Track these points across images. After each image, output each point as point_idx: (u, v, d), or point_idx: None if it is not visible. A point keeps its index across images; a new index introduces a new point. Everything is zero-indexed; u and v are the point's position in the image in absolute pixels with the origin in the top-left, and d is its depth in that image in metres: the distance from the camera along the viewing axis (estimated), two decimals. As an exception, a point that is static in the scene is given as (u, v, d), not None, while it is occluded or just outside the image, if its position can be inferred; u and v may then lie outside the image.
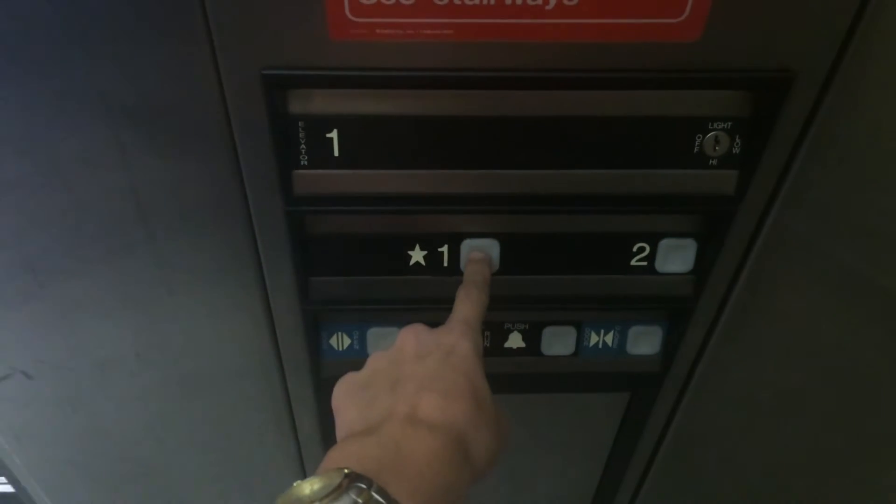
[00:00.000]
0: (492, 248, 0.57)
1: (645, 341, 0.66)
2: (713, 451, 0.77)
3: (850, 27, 0.44)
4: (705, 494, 0.83)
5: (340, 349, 0.65)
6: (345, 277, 0.59)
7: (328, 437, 0.73)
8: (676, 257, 0.59)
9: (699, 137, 0.51)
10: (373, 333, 0.64)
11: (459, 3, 0.42)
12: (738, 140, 0.51)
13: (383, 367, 0.48)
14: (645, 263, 0.59)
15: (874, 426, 0.74)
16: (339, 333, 0.64)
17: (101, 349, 0.62)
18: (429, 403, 0.42)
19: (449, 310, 0.61)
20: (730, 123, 0.50)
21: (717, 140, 0.51)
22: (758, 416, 0.72)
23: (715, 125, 0.50)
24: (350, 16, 0.42)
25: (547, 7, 0.42)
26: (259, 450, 0.75)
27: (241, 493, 0.81)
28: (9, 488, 0.80)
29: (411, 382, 0.44)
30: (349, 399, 0.47)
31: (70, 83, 0.45)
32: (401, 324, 0.63)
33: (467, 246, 0.57)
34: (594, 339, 0.66)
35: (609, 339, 0.66)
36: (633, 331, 0.65)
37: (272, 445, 0.74)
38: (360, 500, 0.34)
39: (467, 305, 0.52)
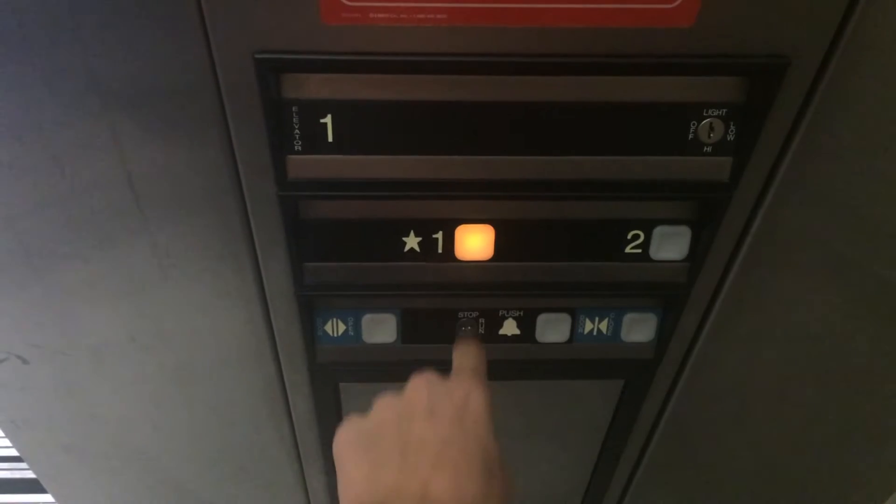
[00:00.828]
0: (487, 233, 0.58)
1: (639, 328, 0.66)
2: (707, 438, 0.78)
3: (845, 12, 0.44)
4: (700, 481, 0.83)
5: (336, 335, 0.65)
6: (339, 263, 0.59)
7: (323, 422, 0.74)
8: (671, 244, 0.59)
9: (694, 124, 0.51)
10: (368, 320, 0.64)
11: (453, -13, 0.42)
12: (732, 127, 0.51)
13: (391, 419, 0.46)
14: (639, 251, 0.59)
15: (867, 414, 0.74)
16: (335, 319, 0.64)
17: (97, 334, 0.62)
18: (441, 485, 0.41)
19: (442, 296, 0.62)
20: (724, 110, 0.50)
21: (711, 127, 0.51)
22: (752, 403, 0.73)
23: (709, 112, 0.50)
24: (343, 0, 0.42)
25: (541, -9, 0.42)
26: (254, 435, 0.75)
27: (237, 478, 0.81)
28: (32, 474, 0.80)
29: (423, 453, 0.43)
30: (354, 452, 0.45)
31: (62, 67, 0.45)
32: (396, 310, 0.64)
33: (462, 232, 0.57)
34: (588, 326, 0.66)
35: (603, 326, 0.66)
36: (628, 318, 0.65)
37: (267, 431, 0.75)
38: None
39: (471, 356, 0.52)
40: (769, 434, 0.77)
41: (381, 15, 0.43)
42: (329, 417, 0.73)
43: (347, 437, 0.47)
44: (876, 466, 0.81)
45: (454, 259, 0.59)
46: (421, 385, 0.48)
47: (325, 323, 0.64)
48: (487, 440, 0.44)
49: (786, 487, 0.84)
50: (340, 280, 0.60)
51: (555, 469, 0.84)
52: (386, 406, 0.47)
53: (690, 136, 0.51)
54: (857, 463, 0.81)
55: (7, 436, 0.73)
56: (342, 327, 0.65)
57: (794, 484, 0.84)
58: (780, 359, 0.68)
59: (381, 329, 0.65)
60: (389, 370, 0.68)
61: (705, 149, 0.52)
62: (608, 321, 0.66)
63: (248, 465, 0.80)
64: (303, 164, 0.51)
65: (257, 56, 0.44)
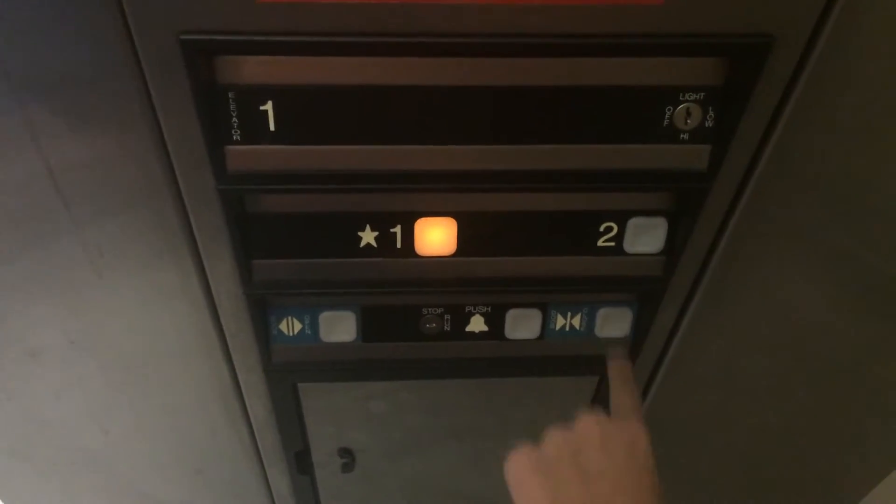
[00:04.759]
0: (448, 227, 0.53)
1: (614, 324, 0.62)
2: (686, 436, 0.75)
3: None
4: (681, 479, 0.80)
5: (291, 334, 0.61)
6: (291, 260, 0.55)
7: (283, 423, 0.70)
8: (646, 237, 0.55)
9: (669, 109, 0.47)
10: (325, 318, 0.60)
11: (398, -41, 0.37)
12: (711, 112, 0.47)
13: (567, 451, 0.49)
14: (613, 244, 0.55)
15: (848, 408, 0.71)
16: (290, 318, 0.60)
17: (32, 337, 0.58)
18: None
19: (403, 293, 0.58)
20: (702, 94, 0.46)
21: (688, 112, 0.47)
22: (732, 400, 0.70)
23: (686, 96, 0.46)
24: (275, -27, 0.37)
25: (497, -36, 0.38)
26: (210, 437, 0.71)
27: (196, 480, 0.77)
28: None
29: (603, 481, 0.47)
30: (534, 477, 0.49)
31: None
32: (355, 307, 0.60)
33: (422, 225, 0.53)
34: (560, 321, 0.62)
35: (576, 322, 0.62)
36: (602, 313, 0.62)
37: (224, 433, 0.71)
38: None
39: (630, 393, 0.56)
40: (749, 431, 0.74)
41: (319, -10, 0.38)
42: (289, 418, 0.69)
43: (526, 465, 0.50)
44: (857, 462, 0.78)
45: (414, 254, 0.54)
46: (592, 422, 0.51)
47: (279, 321, 0.60)
48: (655, 475, 0.48)
49: (767, 484, 0.82)
50: (293, 277, 0.56)
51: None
52: (559, 439, 0.51)
53: (666, 123, 0.47)
54: (838, 458, 0.78)
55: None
56: (298, 326, 0.61)
57: (775, 480, 0.81)
58: (761, 354, 0.64)
59: (339, 327, 0.61)
60: (350, 369, 0.64)
61: (682, 136, 0.48)
62: (581, 316, 0.62)
63: (206, 468, 0.76)
64: (243, 156, 0.47)
65: (183, 37, 0.40)
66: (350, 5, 0.40)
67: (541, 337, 0.63)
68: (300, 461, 0.76)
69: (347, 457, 0.76)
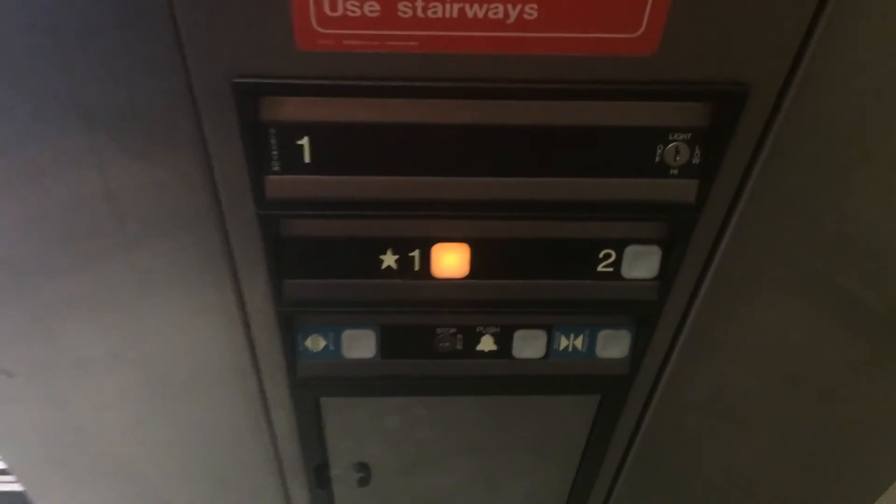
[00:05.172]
0: (462, 251, 0.59)
1: (613, 345, 0.67)
2: (684, 454, 0.79)
3: (802, 40, 0.46)
4: (678, 495, 0.84)
5: (316, 351, 0.66)
6: (319, 280, 0.60)
7: (304, 437, 0.75)
8: (642, 263, 0.60)
9: (660, 148, 0.52)
10: (347, 335, 0.65)
11: (423, 15, 0.43)
12: (697, 150, 0.52)
13: None
14: (611, 269, 0.61)
15: (839, 427, 0.75)
16: (314, 335, 0.66)
17: (80, 349, 0.63)
18: None
19: (419, 313, 0.63)
20: (689, 134, 0.52)
21: (677, 150, 0.52)
22: (724, 418, 0.74)
23: (675, 136, 0.52)
24: (316, 27, 0.43)
25: (508, 21, 0.44)
26: (236, 449, 0.76)
27: (218, 493, 0.82)
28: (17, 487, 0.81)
29: None
30: None
31: (46, 88, 0.46)
32: (375, 326, 0.65)
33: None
34: (564, 342, 0.67)
35: (579, 342, 0.67)
36: (602, 335, 0.67)
37: (249, 445, 0.76)
38: None
39: None
40: (744, 449, 0.78)
41: (354, 42, 0.44)
42: (311, 432, 0.74)
43: None
44: (849, 479, 0.82)
45: (430, 277, 0.60)
46: None
47: (305, 338, 0.66)
48: None
49: (762, 500, 0.85)
50: (320, 297, 0.61)
51: (535, 484, 0.85)
52: None
53: (657, 159, 0.53)
54: (830, 476, 0.82)
55: (-7, 449, 0.74)
56: (322, 343, 0.66)
57: (770, 496, 0.85)
58: (752, 374, 0.69)
59: (360, 345, 0.66)
60: (369, 385, 0.69)
61: (672, 171, 0.53)
62: (583, 338, 0.67)
63: (229, 480, 0.81)
64: (281, 184, 0.53)
65: (235, 81, 0.46)
66: (376, 55, 0.46)
67: (546, 356, 0.68)
68: (319, 475, 0.81)
69: (364, 471, 0.81)
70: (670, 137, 0.52)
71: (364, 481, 0.82)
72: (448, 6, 0.43)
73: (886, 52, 0.47)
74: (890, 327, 0.65)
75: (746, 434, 0.76)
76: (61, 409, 0.70)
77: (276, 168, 0.52)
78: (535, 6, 0.43)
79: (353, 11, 0.43)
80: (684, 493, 0.85)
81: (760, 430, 0.76)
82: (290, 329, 0.64)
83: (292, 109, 0.50)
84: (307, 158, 0.52)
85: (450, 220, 0.57)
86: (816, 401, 0.72)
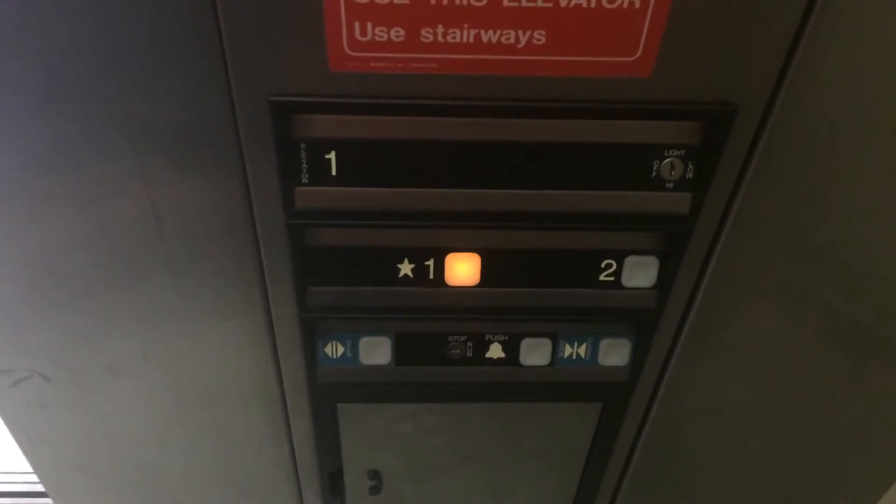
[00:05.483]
0: (473, 261, 0.64)
1: (615, 353, 0.71)
2: (685, 459, 0.82)
3: (783, 63, 0.51)
4: (681, 500, 0.88)
5: (334, 357, 0.71)
6: (340, 287, 0.65)
7: (321, 443, 0.78)
8: (641, 273, 0.65)
9: (656, 163, 0.57)
10: (364, 342, 0.70)
11: (442, 40, 0.48)
12: (691, 165, 0.57)
13: None
14: (612, 279, 0.65)
15: (834, 432, 0.79)
16: (334, 342, 0.70)
17: (113, 352, 0.68)
18: None
19: (432, 320, 0.68)
20: (683, 151, 0.57)
21: (672, 165, 0.57)
22: (722, 425, 0.78)
23: (670, 152, 0.57)
24: (348, 50, 0.49)
25: (518, 45, 0.49)
26: (255, 455, 0.80)
27: (236, 498, 0.85)
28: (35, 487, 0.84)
29: None
30: None
31: (104, 107, 0.51)
32: (391, 333, 0.70)
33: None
34: (568, 350, 0.71)
35: (582, 350, 0.71)
36: (604, 343, 0.71)
37: (268, 451, 0.79)
38: None
39: None
40: (740, 454, 0.82)
41: (380, 63, 0.50)
42: (328, 438, 0.78)
43: None
44: (849, 481, 0.86)
45: (444, 284, 0.64)
46: None
47: (325, 345, 0.70)
48: None
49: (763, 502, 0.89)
50: (341, 303, 0.65)
51: (540, 492, 0.88)
52: None
53: (654, 174, 0.58)
54: (830, 478, 0.85)
55: (24, 452, 0.78)
56: (341, 349, 0.70)
57: (770, 498, 0.88)
58: (747, 380, 0.73)
59: (376, 351, 0.70)
60: (384, 391, 0.74)
61: (667, 185, 0.58)
62: (586, 346, 0.71)
63: (247, 485, 0.84)
64: (309, 195, 0.57)
65: (272, 99, 0.51)
66: (399, 76, 0.51)
67: (551, 364, 0.72)
68: (334, 482, 0.84)
69: (376, 479, 0.85)
70: (666, 154, 0.57)
71: (376, 489, 0.86)
72: (465, 32, 0.48)
73: (860, 75, 0.52)
74: (873, 333, 0.69)
75: (746, 438, 0.80)
76: (91, 413, 0.74)
77: (304, 180, 0.57)
78: (544, 32, 0.48)
79: (381, 36, 0.48)
80: (687, 500, 0.88)
81: (758, 435, 0.79)
82: (311, 336, 0.68)
83: (321, 126, 0.55)
84: (333, 171, 0.56)
85: (463, 230, 0.62)
86: (811, 405, 0.76)
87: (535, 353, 0.71)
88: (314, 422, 0.76)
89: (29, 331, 0.65)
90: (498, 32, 0.48)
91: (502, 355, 0.71)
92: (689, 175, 0.58)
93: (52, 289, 0.62)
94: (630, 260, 0.64)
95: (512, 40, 0.49)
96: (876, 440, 0.81)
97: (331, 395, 0.74)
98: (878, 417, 0.78)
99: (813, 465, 0.83)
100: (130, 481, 0.82)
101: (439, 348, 0.71)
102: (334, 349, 0.70)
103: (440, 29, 0.48)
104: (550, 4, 0.47)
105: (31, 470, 0.82)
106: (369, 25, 0.48)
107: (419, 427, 0.79)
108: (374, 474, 0.84)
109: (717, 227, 0.61)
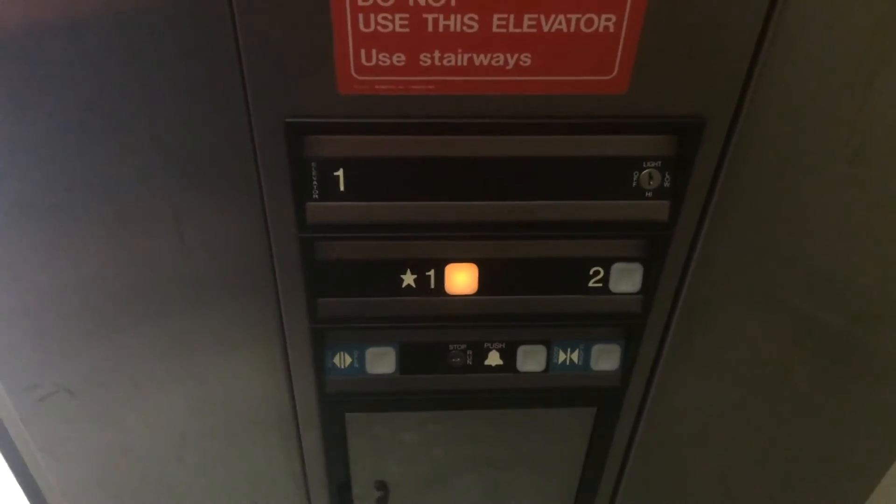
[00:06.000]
0: (471, 270, 0.69)
1: (606, 358, 0.76)
2: (677, 463, 0.86)
3: (745, 79, 0.57)
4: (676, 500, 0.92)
5: (342, 367, 0.75)
6: (348, 298, 0.70)
7: (330, 452, 0.82)
8: (626, 279, 0.70)
9: (636, 174, 0.63)
10: (371, 352, 0.74)
11: (439, 63, 0.54)
12: (667, 175, 0.63)
13: None
14: (601, 285, 0.70)
15: (818, 435, 0.83)
16: (342, 353, 0.75)
17: (136, 364, 0.72)
18: None
19: (434, 329, 0.72)
20: (660, 162, 0.62)
21: (650, 176, 0.63)
22: (710, 429, 0.82)
23: (648, 164, 0.62)
24: (355, 74, 0.54)
25: (507, 67, 0.55)
26: (268, 467, 0.84)
27: (251, 512, 0.89)
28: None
29: None
30: None
31: (135, 140, 0.57)
32: (395, 343, 0.74)
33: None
34: (562, 356, 0.76)
35: (575, 356, 0.76)
36: (596, 348, 0.76)
37: (279, 463, 0.83)
38: None
39: None
40: (731, 457, 0.86)
41: (384, 86, 0.55)
42: (336, 448, 0.82)
43: None
44: (833, 484, 0.90)
45: (444, 293, 0.69)
46: None
47: (334, 355, 0.75)
48: None
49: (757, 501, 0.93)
50: (349, 314, 0.70)
51: (540, 496, 0.92)
52: None
53: (634, 184, 0.63)
54: (816, 481, 0.89)
55: (47, 469, 0.81)
56: (349, 359, 0.75)
57: (763, 497, 0.92)
58: (732, 383, 0.78)
59: (382, 361, 0.75)
60: (389, 400, 0.78)
61: (647, 194, 0.64)
62: (579, 351, 0.76)
63: (259, 498, 0.88)
64: (319, 210, 0.63)
65: (289, 120, 0.57)
66: (400, 97, 0.56)
67: (546, 370, 0.77)
68: (342, 493, 0.88)
69: (382, 490, 0.88)
70: (644, 165, 0.62)
71: (382, 501, 0.89)
72: (460, 56, 0.54)
73: (815, 89, 0.57)
74: (845, 338, 0.74)
75: (734, 444, 0.84)
76: (113, 428, 0.78)
77: (315, 196, 0.62)
78: (530, 55, 0.54)
79: (384, 61, 0.54)
80: (687, 500, 0.92)
81: (747, 439, 0.83)
82: (321, 346, 0.73)
83: (331, 146, 0.60)
84: (342, 187, 0.62)
85: (461, 241, 0.67)
86: (793, 407, 0.80)
87: (531, 359, 0.76)
88: (323, 432, 0.80)
89: (59, 348, 0.70)
90: (489, 55, 0.54)
91: (500, 362, 0.76)
92: (667, 184, 0.63)
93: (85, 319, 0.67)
94: (616, 266, 0.69)
95: (501, 62, 0.55)
96: (863, 438, 0.85)
97: (339, 404, 0.78)
98: (862, 417, 0.82)
99: (800, 465, 0.87)
100: (150, 497, 0.86)
101: (441, 356, 0.75)
102: (342, 359, 0.75)
103: (437, 53, 0.54)
104: (535, 30, 0.53)
105: None
106: (374, 51, 0.54)
107: (423, 436, 0.83)
108: (381, 485, 0.88)
109: (695, 233, 0.66)
